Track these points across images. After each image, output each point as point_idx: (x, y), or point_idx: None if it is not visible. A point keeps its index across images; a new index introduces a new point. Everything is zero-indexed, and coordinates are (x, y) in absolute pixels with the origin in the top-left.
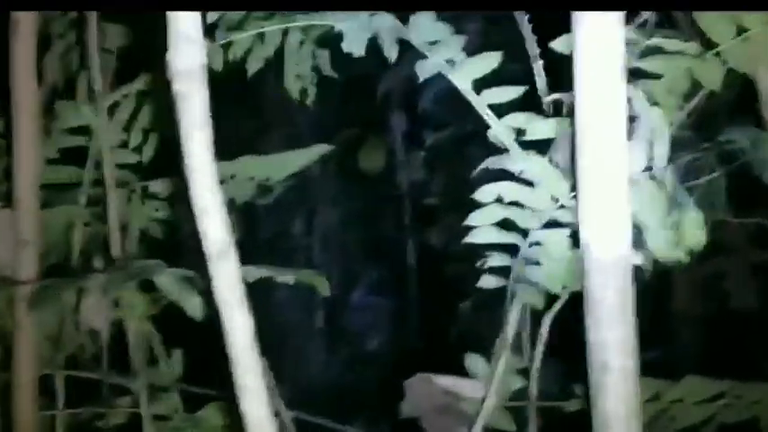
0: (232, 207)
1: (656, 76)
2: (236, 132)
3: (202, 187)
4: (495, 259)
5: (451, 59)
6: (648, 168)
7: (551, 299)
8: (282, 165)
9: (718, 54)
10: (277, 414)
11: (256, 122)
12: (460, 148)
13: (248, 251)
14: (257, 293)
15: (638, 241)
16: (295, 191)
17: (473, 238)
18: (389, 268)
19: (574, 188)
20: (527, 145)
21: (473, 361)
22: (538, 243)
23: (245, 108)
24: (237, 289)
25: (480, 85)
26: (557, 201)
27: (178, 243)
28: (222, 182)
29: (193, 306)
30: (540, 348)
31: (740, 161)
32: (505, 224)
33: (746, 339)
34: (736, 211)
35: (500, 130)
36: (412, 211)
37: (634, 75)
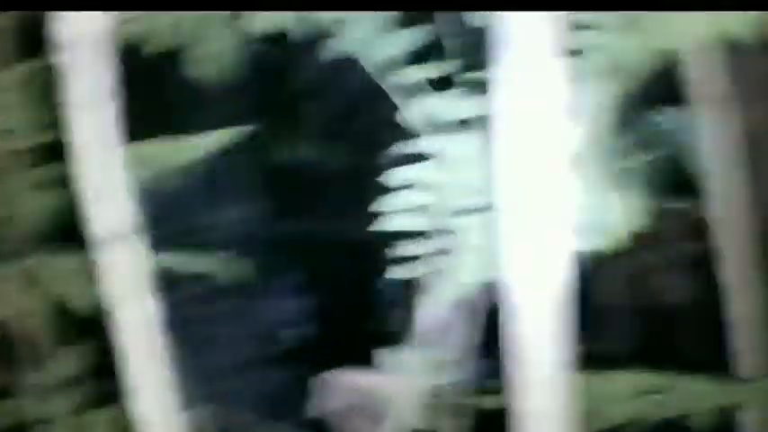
0: (137, 192)
1: (580, 52)
2: (145, 115)
3: (92, 168)
4: (406, 248)
5: (362, 38)
6: (579, 150)
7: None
8: (189, 148)
9: (643, 30)
10: (180, 411)
11: (167, 109)
12: (377, 135)
13: (157, 242)
14: (170, 286)
15: (570, 227)
16: (206, 181)
17: (383, 225)
18: (304, 261)
19: (492, 171)
20: (443, 127)
21: (386, 356)
22: (452, 230)
23: (157, 90)
24: (133, 277)
25: (393, 64)
26: (474, 184)
27: (70, 232)
28: (126, 165)
29: (82, 298)
30: (457, 341)
31: (666, 145)
32: (417, 210)
33: (678, 332)
34: (666, 197)
35: (413, 112)
36: (326, 201)
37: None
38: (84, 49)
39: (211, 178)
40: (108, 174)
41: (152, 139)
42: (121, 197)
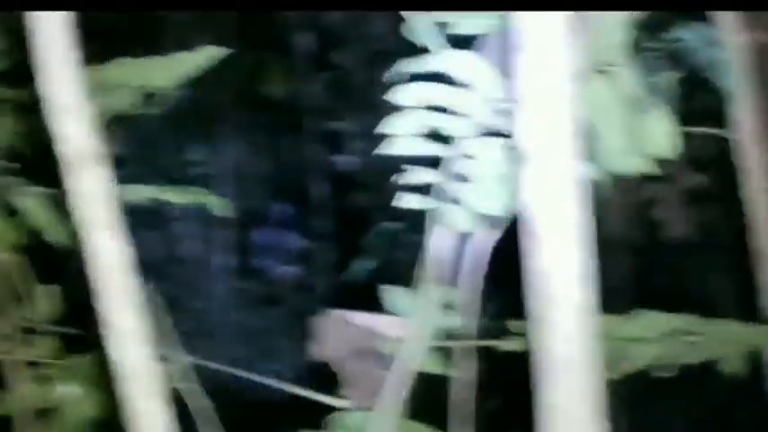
0: (114, 120)
1: None
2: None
3: (59, 81)
4: (416, 174)
5: None
6: (602, 64)
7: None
8: (167, 69)
9: None
10: (167, 359)
11: (145, 47)
12: (371, 67)
13: (137, 174)
14: (157, 228)
15: (591, 151)
16: (193, 119)
17: (390, 149)
18: (296, 199)
19: (510, 90)
20: (457, 42)
21: (392, 295)
22: (467, 155)
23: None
24: (105, 204)
25: None
26: (490, 104)
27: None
28: (98, 88)
29: (58, 230)
30: (472, 279)
31: (690, 62)
32: (428, 133)
33: (685, 271)
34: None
35: (420, 25)
36: (318, 136)
37: None
38: None
39: (199, 120)
40: (69, 84)
41: (116, 60)
42: (85, 113)
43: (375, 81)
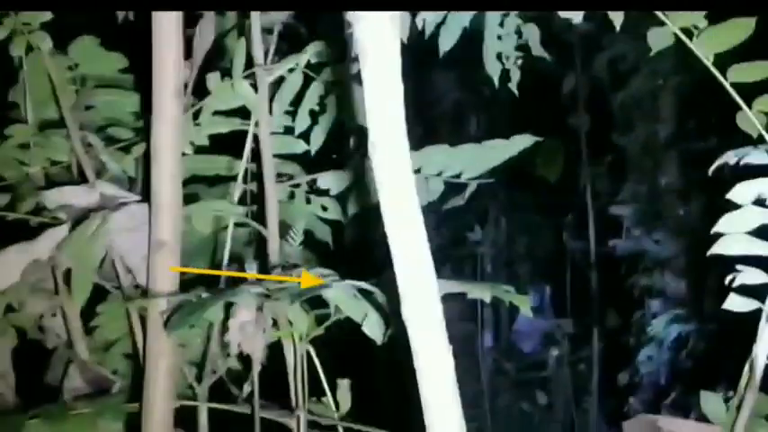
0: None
1: None
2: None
3: (393, 172)
4: (748, 275)
5: (692, 26)
6: None
7: None
8: (479, 158)
9: None
10: None
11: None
12: (652, 152)
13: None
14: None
15: None
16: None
17: (722, 249)
18: (569, 284)
19: None
20: None
21: (710, 402)
22: None
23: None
24: (435, 308)
25: (726, 60)
26: None
27: (350, 248)
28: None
29: (373, 326)
30: None
31: None
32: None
33: None
34: None
35: (751, 115)
36: (595, 221)
37: None
38: (386, 24)
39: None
40: (405, 175)
41: (430, 147)
42: (418, 207)
43: (657, 164)
